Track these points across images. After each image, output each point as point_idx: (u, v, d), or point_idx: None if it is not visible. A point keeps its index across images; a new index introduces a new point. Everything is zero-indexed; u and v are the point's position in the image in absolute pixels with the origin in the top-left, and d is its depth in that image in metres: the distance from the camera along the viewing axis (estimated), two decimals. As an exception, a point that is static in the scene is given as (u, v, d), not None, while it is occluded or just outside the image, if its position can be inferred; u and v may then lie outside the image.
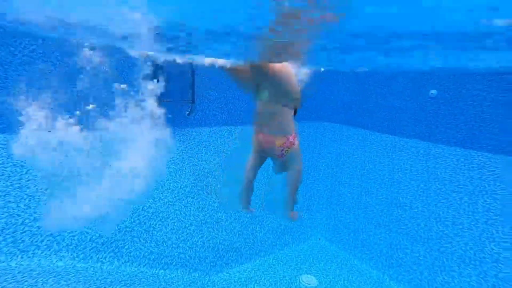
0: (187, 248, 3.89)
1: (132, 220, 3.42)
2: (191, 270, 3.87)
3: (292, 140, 1.82)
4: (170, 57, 3.26)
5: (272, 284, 4.02)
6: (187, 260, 3.87)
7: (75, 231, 2.99)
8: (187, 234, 3.94)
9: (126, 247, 3.35)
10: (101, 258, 3.17)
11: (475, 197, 3.76)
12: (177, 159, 3.98)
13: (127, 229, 3.36)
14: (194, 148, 4.25)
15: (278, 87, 1.61)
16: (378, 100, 5.15)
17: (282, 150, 1.79)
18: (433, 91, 4.31)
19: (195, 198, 4.16)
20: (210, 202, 4.31)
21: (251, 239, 4.59)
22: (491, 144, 3.72)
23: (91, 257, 3.09)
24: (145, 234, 3.51)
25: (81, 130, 2.91)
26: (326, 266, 4.63)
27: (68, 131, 2.88)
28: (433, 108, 4.39)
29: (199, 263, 3.98)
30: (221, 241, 4.26)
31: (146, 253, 3.52)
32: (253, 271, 4.24)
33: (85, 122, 2.89)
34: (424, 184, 4.49)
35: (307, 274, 4.35)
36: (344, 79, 5.58)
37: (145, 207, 3.51)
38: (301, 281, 4.16)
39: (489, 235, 3.51)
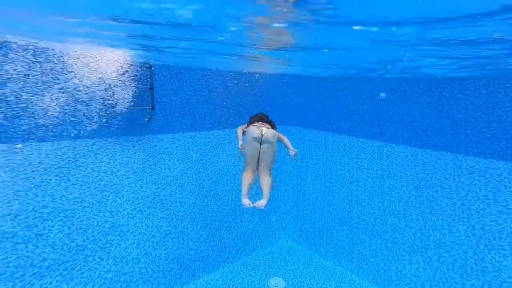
0: (150, 262, 3.70)
1: (85, 237, 3.15)
2: (153, 286, 3.67)
3: None
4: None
5: (240, 291, 3.99)
6: (150, 275, 3.67)
7: (10, 257, 2.65)
8: (150, 247, 3.75)
9: (77, 268, 3.07)
10: (45, 284, 2.85)
11: (420, 190, 4.16)
12: (136, 168, 3.79)
13: (79, 247, 3.09)
14: (156, 156, 4.09)
15: None
16: (333, 103, 5.46)
17: None
18: (383, 94, 4.70)
19: (158, 208, 3.98)
20: (175, 211, 4.16)
21: (218, 246, 4.51)
22: (431, 142, 4.18)
23: (32, 285, 2.77)
24: (100, 251, 3.26)
25: None
26: (294, 266, 4.73)
27: None
28: (383, 109, 4.78)
29: (162, 276, 3.80)
30: (187, 251, 4.13)
31: (102, 272, 3.26)
32: (220, 279, 4.17)
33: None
34: (379, 180, 4.84)
35: (275, 276, 4.40)
36: (300, 83, 5.83)
37: (100, 222, 3.27)
38: (269, 284, 4.19)
39: (432, 224, 3.90)
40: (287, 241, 5.55)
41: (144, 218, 3.73)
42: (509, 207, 3.24)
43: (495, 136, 3.38)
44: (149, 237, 3.73)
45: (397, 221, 4.41)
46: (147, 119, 3.89)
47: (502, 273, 3.29)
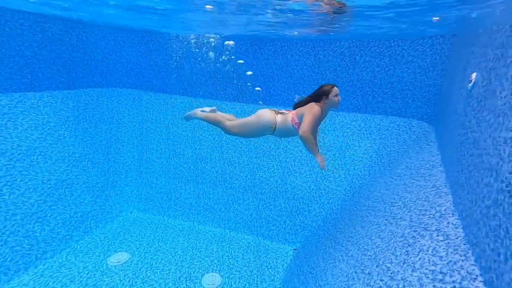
0: None
1: None
2: None
3: None
4: None
5: (65, 284, 3.33)
6: None
7: None
8: None
9: None
10: None
11: (245, 140, 4.90)
12: None
13: None
14: None
15: None
16: (167, 63, 5.18)
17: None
18: (211, 53, 4.90)
19: None
20: None
21: (25, 244, 3.44)
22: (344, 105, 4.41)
23: None
24: None
25: None
26: (140, 235, 4.50)
27: None
28: (214, 68, 5.04)
29: None
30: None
31: None
32: (32, 281, 3.28)
33: None
34: (218, 136, 5.28)
35: (117, 252, 4.02)
36: (130, 39, 5.07)
37: None
38: (108, 263, 3.77)
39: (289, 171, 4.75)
40: (131, 212, 5.15)
41: None
42: (410, 150, 3.54)
43: (395, 96, 3.74)
44: None
45: (233, 169, 5.06)
46: None
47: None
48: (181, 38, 4.91)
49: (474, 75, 1.71)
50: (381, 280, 1.66)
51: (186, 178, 5.35)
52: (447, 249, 1.39)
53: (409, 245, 1.76)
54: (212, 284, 3.57)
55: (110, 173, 5.03)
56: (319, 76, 4.30)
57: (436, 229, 1.63)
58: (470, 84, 1.72)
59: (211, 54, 4.86)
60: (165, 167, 5.46)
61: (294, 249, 4.35)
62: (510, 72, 1.22)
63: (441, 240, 1.51)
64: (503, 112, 1.21)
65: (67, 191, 4.07)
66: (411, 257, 1.62)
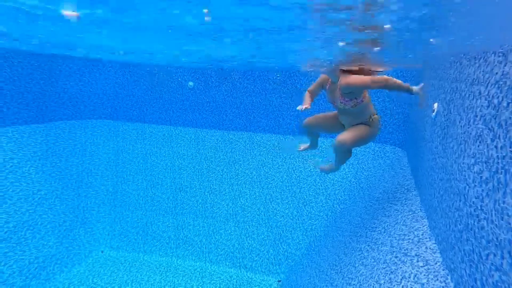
0: None
1: None
2: None
3: None
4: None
5: None
6: None
7: None
8: None
9: None
10: None
11: (226, 168, 4.85)
12: None
13: None
14: None
15: None
16: (145, 92, 5.16)
17: None
18: (191, 83, 4.97)
19: None
20: None
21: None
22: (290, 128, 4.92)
23: None
24: None
25: None
26: (111, 278, 4.10)
27: None
28: (193, 97, 5.09)
29: None
30: None
31: None
32: None
33: None
34: (198, 164, 5.17)
35: (84, 299, 3.60)
36: (106, 70, 5.03)
37: None
38: (73, 312, 3.35)
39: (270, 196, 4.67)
40: (102, 252, 4.72)
41: None
42: (386, 175, 3.56)
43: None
44: None
45: (214, 197, 4.92)
46: None
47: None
48: (160, 68, 4.97)
49: (436, 105, 1.87)
50: (368, 313, 1.61)
51: (165, 210, 5.09)
52: (428, 276, 1.40)
53: (391, 272, 1.75)
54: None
55: (80, 209, 4.67)
56: (297, 104, 4.47)
57: (415, 255, 1.65)
58: (433, 113, 1.87)
59: (191, 84, 4.93)
60: (142, 199, 5.18)
61: (278, 281, 4.16)
62: (465, 103, 1.34)
63: (421, 266, 1.52)
64: (464, 140, 1.31)
65: (28, 233, 3.69)
66: (394, 285, 1.60)
